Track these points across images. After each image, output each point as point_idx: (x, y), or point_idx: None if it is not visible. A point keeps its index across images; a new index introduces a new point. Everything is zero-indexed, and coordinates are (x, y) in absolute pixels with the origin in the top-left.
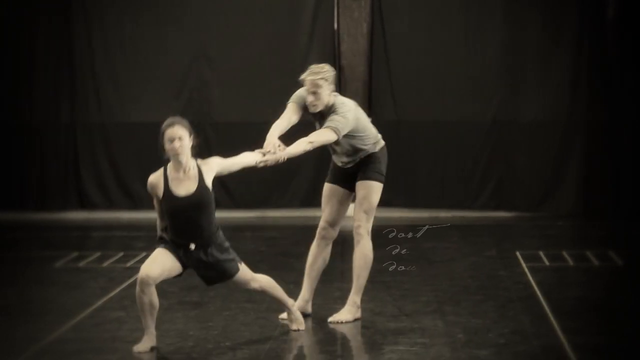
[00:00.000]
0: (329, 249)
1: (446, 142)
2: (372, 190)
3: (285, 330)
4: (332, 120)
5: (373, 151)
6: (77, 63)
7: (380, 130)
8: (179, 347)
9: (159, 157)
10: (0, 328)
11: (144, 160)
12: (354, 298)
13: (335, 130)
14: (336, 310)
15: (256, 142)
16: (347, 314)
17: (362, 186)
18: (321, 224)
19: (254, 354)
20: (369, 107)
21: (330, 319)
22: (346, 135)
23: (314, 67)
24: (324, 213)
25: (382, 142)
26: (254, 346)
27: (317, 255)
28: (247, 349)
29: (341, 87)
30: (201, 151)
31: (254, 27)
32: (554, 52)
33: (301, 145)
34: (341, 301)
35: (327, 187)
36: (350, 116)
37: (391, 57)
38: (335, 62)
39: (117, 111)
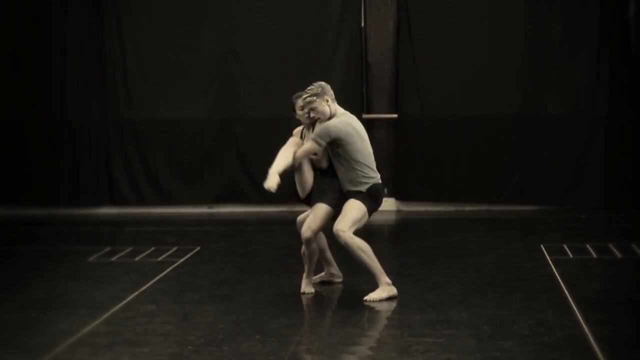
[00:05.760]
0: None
1: (471, 137)
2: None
3: (314, 323)
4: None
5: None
6: (108, 61)
7: (406, 126)
8: (209, 339)
9: (188, 153)
10: (34, 321)
11: (174, 156)
12: (381, 279)
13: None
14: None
15: (283, 136)
16: (380, 292)
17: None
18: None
19: (283, 346)
20: (396, 104)
21: (366, 297)
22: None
23: (302, 93)
24: None
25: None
26: (283, 338)
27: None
28: (276, 341)
29: (368, 84)
30: (229, 145)
31: (282, 24)
32: (576, 48)
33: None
34: (368, 292)
35: None
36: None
37: (417, 54)
38: (362, 60)
39: (148, 108)
